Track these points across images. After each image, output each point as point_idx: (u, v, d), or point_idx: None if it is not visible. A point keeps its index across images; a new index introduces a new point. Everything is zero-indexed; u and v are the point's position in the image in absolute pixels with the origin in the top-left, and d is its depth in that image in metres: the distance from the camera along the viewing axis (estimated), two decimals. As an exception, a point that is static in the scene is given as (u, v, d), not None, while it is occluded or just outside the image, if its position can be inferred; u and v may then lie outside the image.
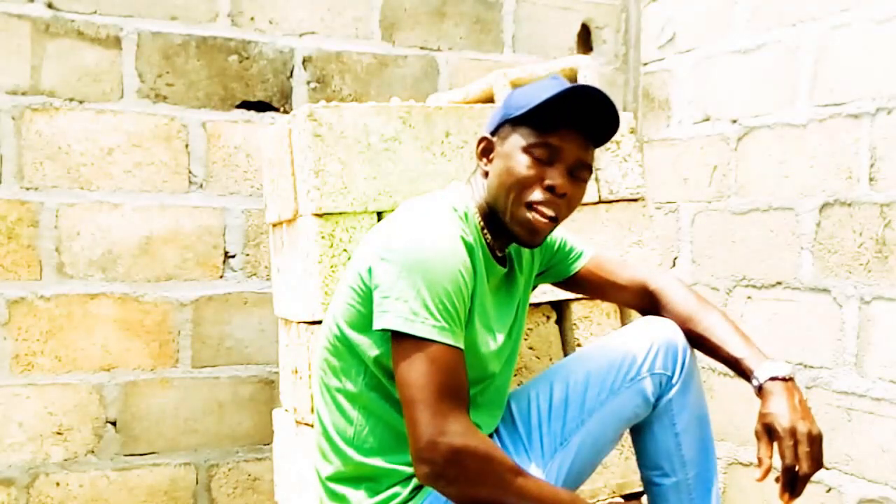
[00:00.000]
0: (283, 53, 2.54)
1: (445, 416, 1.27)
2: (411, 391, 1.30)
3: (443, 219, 1.39)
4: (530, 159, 1.39)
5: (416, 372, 1.29)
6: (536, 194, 1.39)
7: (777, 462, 1.38)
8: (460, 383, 1.32)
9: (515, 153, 1.40)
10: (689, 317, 1.58)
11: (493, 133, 1.47)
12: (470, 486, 1.30)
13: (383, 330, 1.32)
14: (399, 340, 1.31)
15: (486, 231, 1.47)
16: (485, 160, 1.48)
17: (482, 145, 1.48)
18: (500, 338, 1.50)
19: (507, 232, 1.46)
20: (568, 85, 1.40)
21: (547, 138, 1.38)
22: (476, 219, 1.46)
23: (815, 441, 1.37)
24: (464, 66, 2.73)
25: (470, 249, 1.38)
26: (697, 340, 1.57)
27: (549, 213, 1.40)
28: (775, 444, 1.38)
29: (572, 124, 1.39)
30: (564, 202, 1.41)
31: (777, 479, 1.38)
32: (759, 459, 1.38)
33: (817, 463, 1.37)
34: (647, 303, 1.66)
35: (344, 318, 1.42)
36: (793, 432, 1.36)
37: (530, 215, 1.40)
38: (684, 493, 1.59)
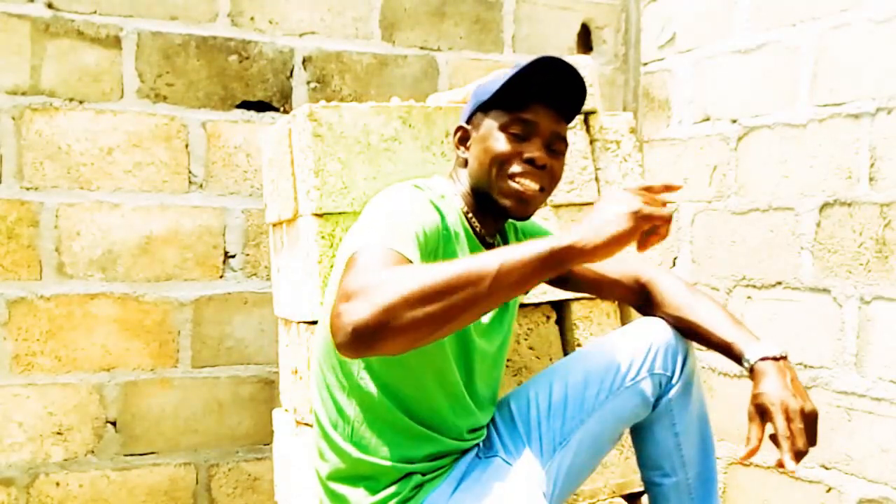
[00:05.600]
0: (283, 53, 2.53)
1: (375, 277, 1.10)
2: (345, 274, 1.15)
3: (409, 189, 1.41)
4: (506, 137, 1.42)
5: (358, 262, 1.16)
6: (517, 167, 1.42)
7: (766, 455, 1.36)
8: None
9: (491, 134, 1.43)
10: (681, 306, 1.58)
11: (467, 122, 1.51)
12: (392, 321, 1.08)
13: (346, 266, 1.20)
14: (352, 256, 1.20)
15: (472, 217, 1.48)
16: (462, 148, 1.51)
17: (458, 135, 1.52)
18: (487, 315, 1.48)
19: (495, 209, 1.46)
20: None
21: (519, 115, 1.42)
22: (459, 204, 1.47)
23: (810, 417, 1.34)
24: (464, 66, 2.73)
25: (441, 214, 1.38)
26: (690, 329, 1.56)
27: (534, 184, 1.42)
28: (767, 427, 1.35)
29: (542, 98, 1.42)
30: (547, 174, 1.44)
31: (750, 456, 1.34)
32: (748, 439, 1.35)
33: (812, 439, 1.34)
34: (640, 296, 1.66)
35: None
36: (785, 409, 1.33)
37: (516, 185, 1.42)
38: (684, 492, 1.59)
